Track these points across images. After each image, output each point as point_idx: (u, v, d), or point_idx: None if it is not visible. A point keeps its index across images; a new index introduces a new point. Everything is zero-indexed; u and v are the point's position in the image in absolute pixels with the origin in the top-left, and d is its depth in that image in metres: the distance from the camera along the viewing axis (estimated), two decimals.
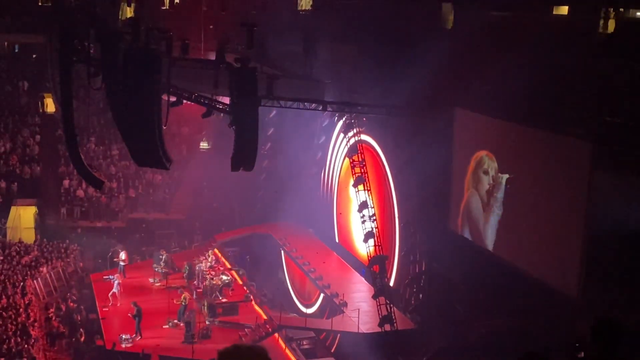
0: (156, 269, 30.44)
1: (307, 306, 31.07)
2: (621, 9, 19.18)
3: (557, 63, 19.21)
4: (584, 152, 18.48)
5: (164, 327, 26.28)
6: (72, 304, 28.58)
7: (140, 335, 25.42)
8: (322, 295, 29.31)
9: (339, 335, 26.49)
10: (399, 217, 26.62)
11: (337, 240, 32.62)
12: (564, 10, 21.28)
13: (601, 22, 19.08)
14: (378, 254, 24.88)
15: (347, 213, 31.19)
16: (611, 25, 18.93)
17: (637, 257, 16.60)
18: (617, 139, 17.45)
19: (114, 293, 28.13)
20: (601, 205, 17.95)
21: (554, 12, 21.46)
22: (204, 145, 38.99)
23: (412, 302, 25.98)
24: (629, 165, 17.14)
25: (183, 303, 26.57)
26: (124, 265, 30.63)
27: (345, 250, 31.56)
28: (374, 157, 28.13)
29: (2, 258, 31.15)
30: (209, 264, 30.59)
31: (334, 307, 26.89)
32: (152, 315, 26.51)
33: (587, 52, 18.80)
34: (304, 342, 27.14)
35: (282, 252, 33.38)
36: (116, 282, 28.39)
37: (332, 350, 27.22)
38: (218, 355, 3.79)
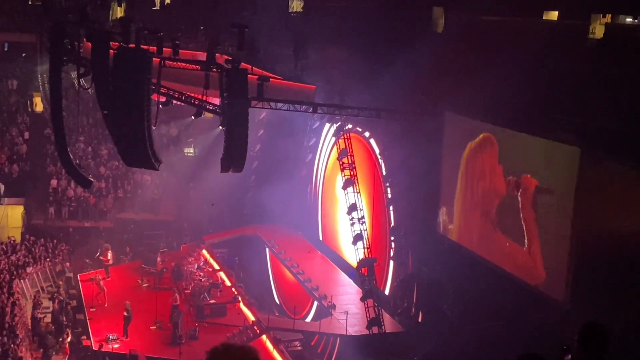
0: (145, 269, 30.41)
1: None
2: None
3: (547, 68, 19.29)
4: (572, 158, 18.55)
5: (151, 328, 26.24)
6: (59, 304, 28.43)
7: (126, 336, 25.37)
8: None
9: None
10: (394, 219, 26.55)
11: (320, 239, 32.71)
12: (554, 15, 21.36)
13: (591, 27, 19.17)
14: (367, 256, 24.89)
15: (333, 213, 31.22)
16: (600, 31, 19.04)
17: (625, 263, 16.68)
18: (605, 144, 17.52)
19: (101, 293, 28.09)
20: (589, 210, 18.03)
21: (544, 17, 21.54)
22: (189, 151, 38.85)
23: (401, 305, 25.99)
24: (618, 171, 17.21)
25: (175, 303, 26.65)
26: (108, 265, 30.61)
27: (329, 248, 31.61)
28: (369, 154, 28.13)
29: None
30: (197, 265, 30.57)
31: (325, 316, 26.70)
32: (140, 316, 26.45)
33: (577, 57, 18.89)
34: (292, 345, 27.07)
35: (268, 254, 33.31)
36: (101, 282, 28.40)
37: None
38: (208, 355, 3.73)
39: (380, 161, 27.30)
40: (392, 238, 26.57)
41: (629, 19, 19.88)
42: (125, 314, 25.65)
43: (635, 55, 17.69)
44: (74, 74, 27.91)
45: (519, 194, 20.38)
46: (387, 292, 27.01)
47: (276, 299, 32.99)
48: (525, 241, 20.23)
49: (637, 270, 16.44)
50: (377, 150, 27.65)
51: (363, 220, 25.28)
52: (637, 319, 15.75)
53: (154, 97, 22.38)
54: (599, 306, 16.01)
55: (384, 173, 26.93)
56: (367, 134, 28.21)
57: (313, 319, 29.15)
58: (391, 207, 26.55)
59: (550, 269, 19.51)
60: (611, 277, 16.72)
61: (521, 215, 20.28)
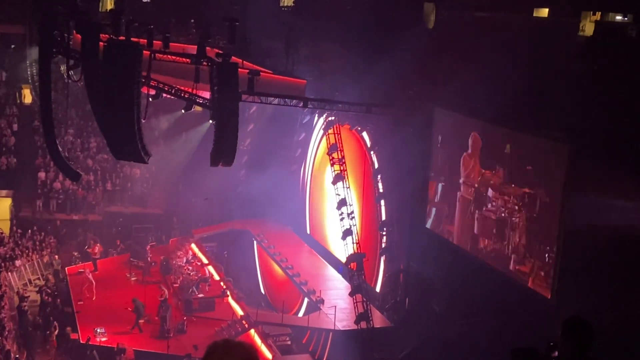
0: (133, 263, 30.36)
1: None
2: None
3: (537, 65, 19.34)
4: (561, 155, 18.62)
5: (139, 321, 26.17)
6: (47, 297, 28.34)
7: (141, 330, 25.37)
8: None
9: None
10: (385, 213, 26.54)
11: (308, 232, 32.68)
12: (544, 12, 21.42)
13: (580, 25, 19.23)
14: (356, 251, 24.91)
15: (322, 206, 31.21)
16: (590, 28, 19.10)
17: (612, 259, 16.77)
18: (594, 142, 17.59)
19: (89, 286, 28.01)
20: (577, 207, 18.11)
21: (535, 14, 21.59)
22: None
23: (389, 300, 26.03)
24: (606, 168, 17.28)
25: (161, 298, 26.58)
26: (96, 259, 30.51)
27: (317, 242, 31.61)
28: (360, 147, 28.09)
29: None
30: (186, 259, 30.52)
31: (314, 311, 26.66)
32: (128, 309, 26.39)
33: (566, 55, 18.95)
34: (281, 339, 27.05)
35: (256, 249, 33.26)
36: (89, 275, 28.31)
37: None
38: (207, 349, 3.77)
39: (372, 155, 27.27)
40: (383, 233, 26.57)
41: (618, 17, 19.95)
42: (133, 309, 25.66)
43: (625, 53, 17.77)
44: (63, 66, 27.75)
45: (511, 199, 20.46)
46: (378, 287, 27.00)
47: (263, 292, 32.96)
48: (513, 240, 20.35)
49: (623, 268, 16.55)
50: (368, 144, 27.61)
51: (352, 215, 25.29)
52: (624, 316, 15.85)
53: (144, 90, 22.29)
54: (585, 303, 16.09)
55: (376, 166, 26.91)
56: (358, 127, 28.19)
57: (304, 315, 29.17)
58: (382, 202, 26.53)
59: (536, 266, 19.60)
60: (598, 273, 16.81)
61: (512, 218, 20.38)
